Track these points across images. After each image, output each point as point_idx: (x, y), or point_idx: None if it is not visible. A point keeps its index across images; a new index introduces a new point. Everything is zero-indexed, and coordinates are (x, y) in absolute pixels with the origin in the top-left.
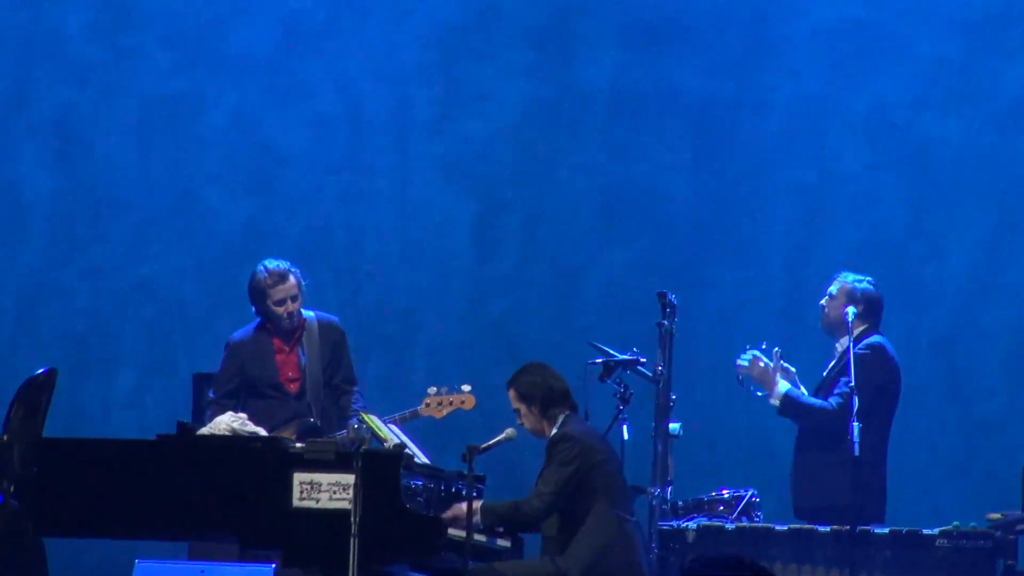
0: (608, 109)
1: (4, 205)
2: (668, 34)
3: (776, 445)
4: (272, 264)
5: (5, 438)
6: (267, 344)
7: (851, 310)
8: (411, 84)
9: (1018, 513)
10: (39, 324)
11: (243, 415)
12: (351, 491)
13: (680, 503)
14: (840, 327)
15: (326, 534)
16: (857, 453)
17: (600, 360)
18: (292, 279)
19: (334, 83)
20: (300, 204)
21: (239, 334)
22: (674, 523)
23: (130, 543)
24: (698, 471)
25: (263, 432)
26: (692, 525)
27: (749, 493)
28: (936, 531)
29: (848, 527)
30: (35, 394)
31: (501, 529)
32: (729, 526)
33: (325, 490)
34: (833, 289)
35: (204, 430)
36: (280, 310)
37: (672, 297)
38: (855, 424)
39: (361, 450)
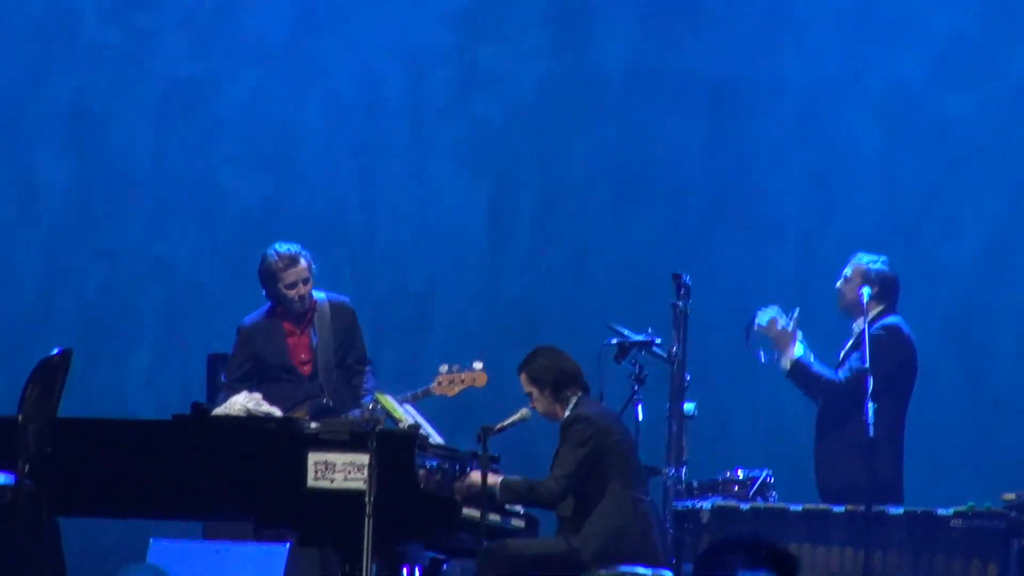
0: (624, 89)
1: (21, 187)
2: (684, 14)
3: (791, 426)
4: (283, 247)
5: (20, 418)
6: (278, 327)
7: (866, 291)
8: (427, 65)
9: None
10: (55, 305)
11: (258, 395)
12: (366, 471)
13: (695, 483)
14: (856, 308)
15: (341, 514)
16: (872, 434)
17: (615, 341)
18: (303, 262)
19: (350, 64)
20: (316, 185)
21: (250, 318)
22: (689, 503)
23: (145, 523)
24: (713, 451)
25: (278, 412)
26: (707, 505)
27: (764, 473)
28: (951, 511)
29: (863, 507)
30: (50, 374)
31: (520, 509)
32: (744, 506)
33: (340, 470)
34: (848, 271)
35: (219, 410)
36: (292, 293)
37: (687, 278)
38: (870, 405)
39: (376, 430)
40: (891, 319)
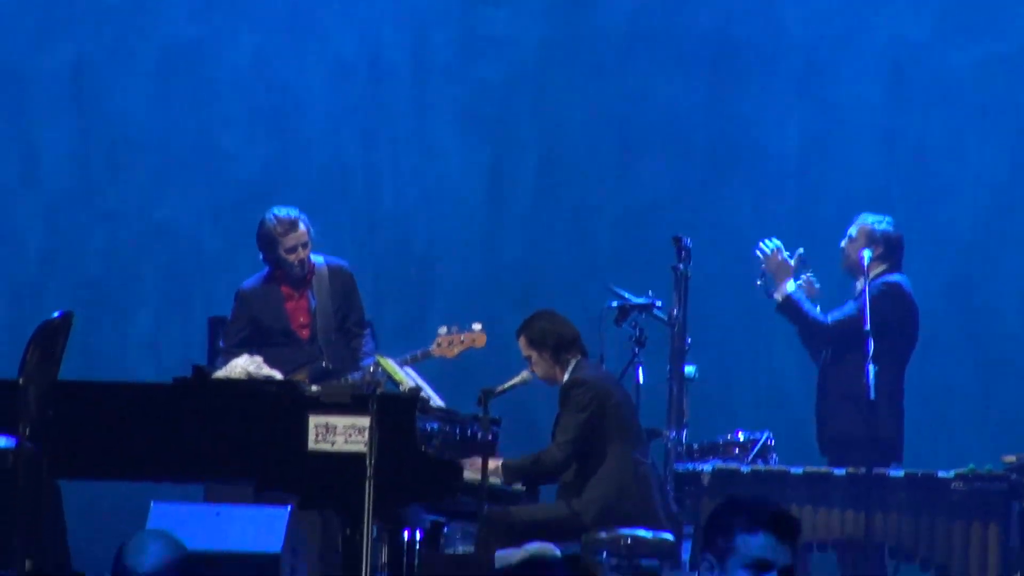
0: (625, 50)
1: (22, 150)
2: None
3: (791, 388)
4: (281, 212)
5: (21, 381)
6: (276, 291)
7: (867, 253)
8: (428, 27)
9: None
10: (56, 268)
11: (259, 358)
12: (366, 434)
13: (695, 446)
14: (859, 269)
15: (341, 477)
16: (873, 397)
17: (616, 304)
18: (302, 226)
19: (351, 26)
20: (317, 147)
21: (248, 283)
22: (689, 466)
23: (146, 486)
24: (713, 414)
25: (279, 375)
26: (707, 468)
27: (764, 436)
28: (952, 474)
29: (863, 470)
30: (51, 337)
31: (523, 487)
32: (744, 469)
33: (340, 433)
34: (853, 231)
35: (220, 373)
36: (292, 258)
37: (687, 241)
38: (871, 368)
39: (376, 393)
40: (893, 277)
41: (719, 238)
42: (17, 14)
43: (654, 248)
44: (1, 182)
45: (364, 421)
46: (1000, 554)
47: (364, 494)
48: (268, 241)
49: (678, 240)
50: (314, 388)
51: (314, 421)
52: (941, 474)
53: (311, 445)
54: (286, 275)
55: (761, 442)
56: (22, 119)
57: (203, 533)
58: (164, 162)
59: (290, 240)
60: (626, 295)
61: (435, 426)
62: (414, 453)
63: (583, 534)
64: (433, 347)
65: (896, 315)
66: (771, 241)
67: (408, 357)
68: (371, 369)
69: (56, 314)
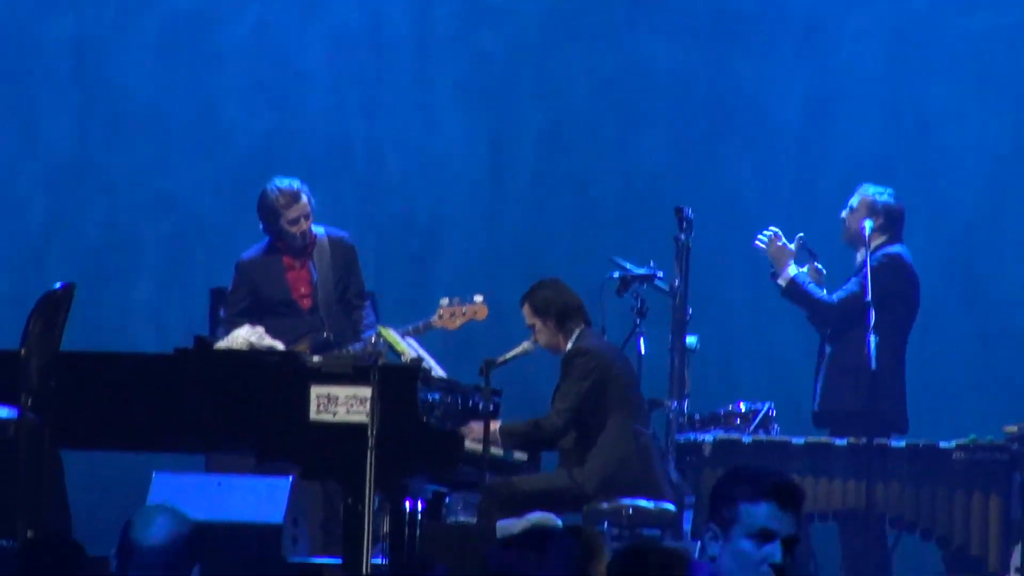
0: (625, 18)
1: (24, 121)
2: None
3: (793, 359)
4: (283, 183)
5: (23, 352)
6: (278, 261)
7: (868, 223)
8: None
9: None
10: (58, 239)
11: (260, 328)
12: (368, 404)
13: (697, 416)
14: (858, 240)
15: (343, 448)
16: (874, 367)
17: (617, 274)
18: (304, 198)
19: None
20: (320, 118)
21: (248, 253)
22: (691, 436)
23: (147, 456)
24: (714, 385)
25: (280, 346)
26: (708, 438)
27: (766, 406)
28: (953, 444)
29: (864, 440)
30: (53, 308)
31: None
32: (745, 439)
33: (342, 404)
34: (854, 201)
35: (221, 344)
36: (294, 229)
37: (689, 212)
38: (872, 338)
39: (378, 363)
40: (894, 248)
41: (721, 208)
42: None
43: (656, 219)
44: (3, 154)
45: (366, 392)
46: (1001, 524)
47: (366, 465)
48: (270, 212)
49: (679, 211)
50: (315, 359)
51: (315, 392)
52: (942, 444)
53: (312, 416)
54: (287, 245)
55: (762, 413)
56: (23, 90)
57: (205, 504)
58: (165, 133)
59: (292, 212)
60: (627, 266)
61: (437, 397)
62: (416, 424)
63: (584, 504)
64: (435, 318)
65: (897, 286)
66: (767, 230)
67: (410, 328)
68: (373, 340)
69: (58, 285)
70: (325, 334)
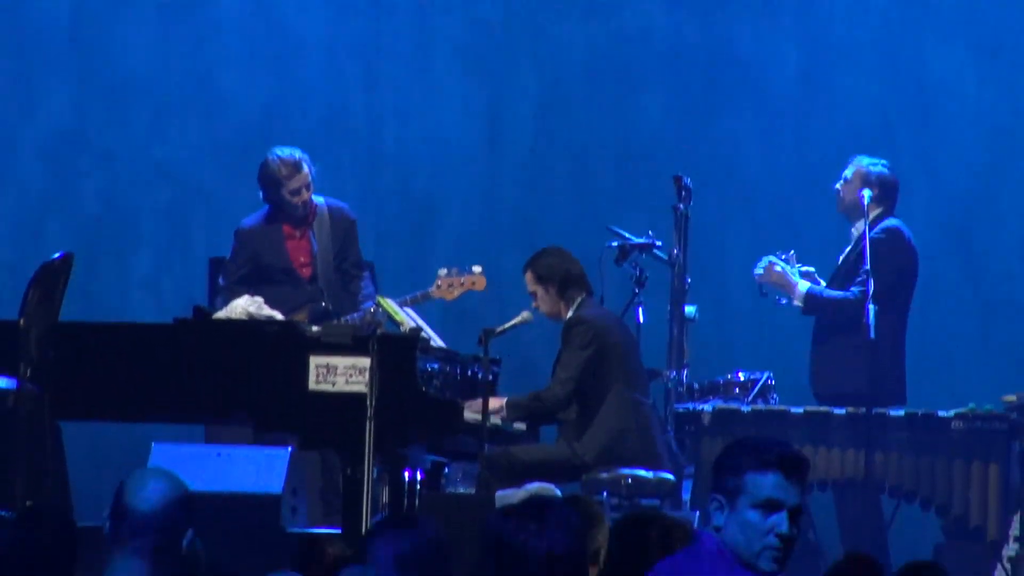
0: None
1: (22, 90)
2: None
3: (792, 328)
4: (285, 152)
5: (22, 322)
6: (278, 230)
7: (867, 193)
8: None
9: None
10: (55, 209)
11: (259, 299)
12: (367, 374)
13: (696, 386)
14: (855, 211)
15: (342, 417)
16: (872, 336)
17: (616, 244)
18: (305, 168)
19: None
20: (318, 88)
21: (249, 221)
22: (690, 406)
23: (146, 427)
24: (713, 354)
25: (279, 316)
26: (708, 408)
27: (765, 376)
28: (952, 413)
29: (863, 409)
30: (52, 278)
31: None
32: (744, 408)
33: (341, 373)
34: (848, 173)
35: (220, 314)
36: (295, 200)
37: (687, 180)
38: (870, 307)
39: (377, 333)
40: (892, 222)
41: (719, 176)
42: None
43: (654, 188)
44: (0, 124)
45: (365, 361)
46: (1000, 493)
47: (365, 434)
48: (271, 182)
49: (678, 179)
50: (315, 329)
51: (315, 362)
52: (941, 414)
53: (312, 386)
54: (288, 215)
55: (761, 382)
56: (21, 61)
57: (204, 474)
58: (163, 103)
59: (294, 182)
60: (626, 235)
61: (436, 366)
62: (415, 393)
63: (583, 474)
64: (433, 289)
65: (896, 261)
66: (761, 262)
67: (408, 298)
68: (372, 310)
69: (56, 255)
70: (324, 304)
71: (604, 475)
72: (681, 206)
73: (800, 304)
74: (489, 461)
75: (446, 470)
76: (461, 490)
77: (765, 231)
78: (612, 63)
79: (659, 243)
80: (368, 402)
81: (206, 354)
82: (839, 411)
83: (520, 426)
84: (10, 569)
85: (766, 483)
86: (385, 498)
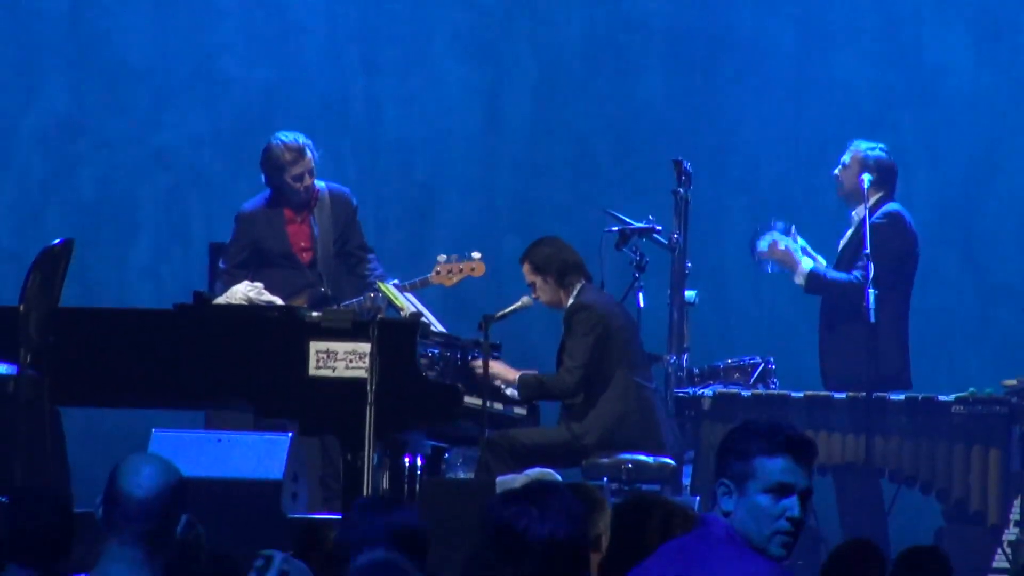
0: None
1: (21, 76)
2: None
3: (792, 313)
4: (288, 137)
5: (22, 308)
6: (279, 214)
7: (867, 177)
8: None
9: None
10: (55, 195)
11: (259, 284)
12: (367, 359)
13: (696, 371)
14: (855, 195)
15: (342, 403)
16: (873, 320)
17: (616, 228)
18: (309, 153)
19: None
20: (318, 73)
21: (250, 205)
22: (690, 390)
23: (146, 414)
24: (714, 339)
25: (279, 302)
26: (708, 392)
27: (765, 360)
28: (952, 397)
29: (864, 394)
30: (52, 264)
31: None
32: (745, 393)
33: (341, 359)
34: (846, 158)
35: (220, 300)
36: (297, 185)
37: (687, 165)
38: (871, 292)
39: (377, 318)
40: (892, 206)
41: (719, 160)
42: None
43: (654, 171)
44: (1, 109)
45: (365, 347)
46: (1000, 477)
47: (365, 420)
48: (274, 166)
49: (678, 163)
50: (315, 314)
51: (315, 347)
52: (941, 398)
53: (312, 371)
54: (289, 199)
55: (761, 367)
56: (21, 46)
57: (204, 460)
58: (163, 88)
59: (297, 168)
60: (626, 219)
61: (436, 351)
62: (415, 378)
63: (584, 459)
64: (432, 275)
65: (897, 246)
66: (764, 238)
67: (407, 284)
68: (372, 295)
69: (57, 241)
70: (323, 289)
71: (604, 460)
72: (681, 190)
73: (802, 283)
74: (490, 444)
75: (446, 455)
76: (461, 475)
77: (765, 215)
78: (611, 47)
79: (659, 228)
80: (368, 387)
81: (206, 340)
82: (839, 395)
83: (520, 410)
84: (6, 551)
85: (776, 467)
86: (385, 484)
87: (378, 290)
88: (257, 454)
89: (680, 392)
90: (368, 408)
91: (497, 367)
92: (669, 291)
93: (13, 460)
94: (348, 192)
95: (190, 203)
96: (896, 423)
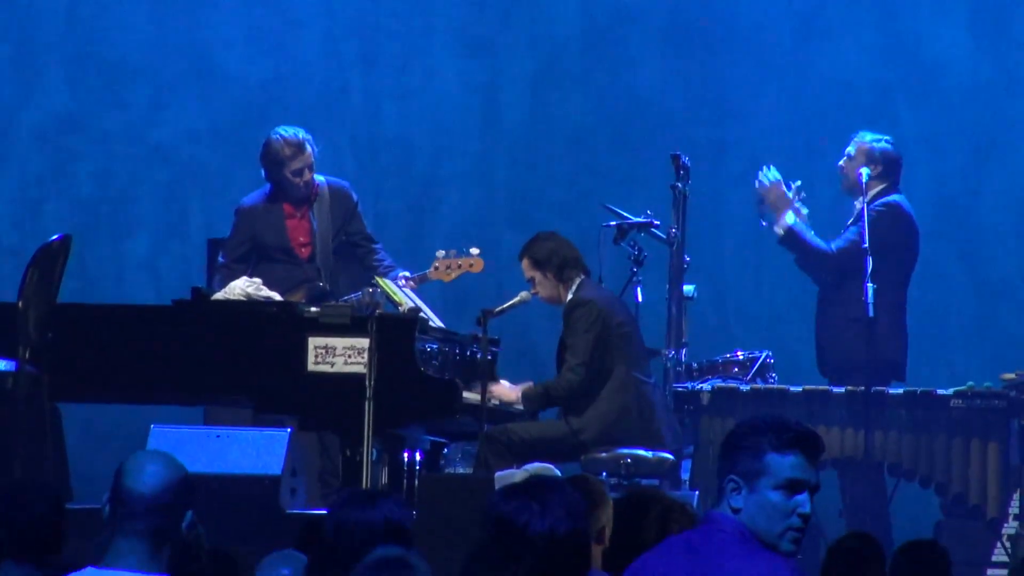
0: None
1: (19, 71)
2: None
3: (790, 307)
4: (288, 132)
5: (20, 304)
6: (278, 209)
7: (865, 171)
8: None
9: None
10: (53, 190)
11: (258, 280)
12: (366, 355)
13: (694, 365)
14: (858, 188)
15: (341, 398)
16: (872, 314)
17: (614, 223)
18: (309, 148)
19: None
20: (316, 68)
21: (249, 199)
22: (688, 385)
23: (146, 409)
24: (712, 333)
25: (278, 297)
26: (706, 387)
27: (763, 355)
28: (951, 391)
29: (863, 388)
30: (50, 260)
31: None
32: (743, 387)
33: (340, 354)
34: (851, 149)
35: (218, 295)
36: (297, 180)
37: (686, 159)
38: (869, 286)
39: (376, 314)
40: (892, 197)
41: (717, 155)
42: None
43: (652, 166)
44: None
45: (363, 342)
46: (999, 471)
47: (364, 415)
48: (274, 161)
49: (676, 158)
50: (313, 309)
51: (313, 342)
52: (940, 392)
53: (310, 366)
54: (288, 194)
55: (760, 361)
56: (18, 42)
57: (203, 456)
58: (160, 83)
59: (297, 163)
60: (624, 214)
61: (435, 346)
62: (414, 373)
63: (583, 454)
64: (430, 270)
65: (896, 236)
66: (771, 172)
67: (410, 279)
68: (370, 290)
69: (55, 237)
70: (321, 284)
71: (603, 455)
72: (679, 185)
73: (780, 233)
74: (488, 439)
75: (445, 451)
76: (460, 471)
77: (756, 210)
78: (608, 41)
79: (657, 222)
80: (367, 383)
81: (205, 335)
82: (838, 390)
83: (519, 406)
84: None
85: (787, 464)
86: (384, 479)
87: (377, 285)
88: (256, 450)
89: (679, 387)
90: (367, 403)
91: (497, 389)
92: (667, 286)
93: (12, 456)
94: (348, 186)
95: (188, 198)
96: (895, 417)
